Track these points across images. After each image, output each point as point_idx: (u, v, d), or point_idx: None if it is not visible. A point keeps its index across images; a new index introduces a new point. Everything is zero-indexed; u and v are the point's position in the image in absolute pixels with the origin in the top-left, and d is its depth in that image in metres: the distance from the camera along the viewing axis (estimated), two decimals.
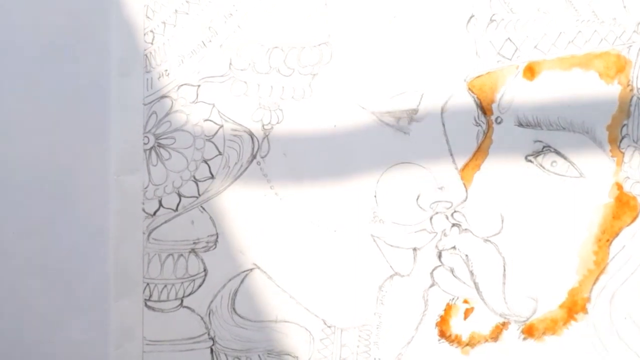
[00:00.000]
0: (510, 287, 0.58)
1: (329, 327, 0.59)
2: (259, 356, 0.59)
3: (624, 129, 0.57)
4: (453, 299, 0.58)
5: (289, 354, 0.59)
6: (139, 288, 0.58)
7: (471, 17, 0.57)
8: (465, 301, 0.58)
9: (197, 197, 0.58)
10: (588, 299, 0.59)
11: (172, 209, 0.58)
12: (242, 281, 0.58)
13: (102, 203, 0.58)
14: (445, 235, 0.58)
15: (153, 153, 0.58)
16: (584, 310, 0.59)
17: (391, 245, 0.58)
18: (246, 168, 0.58)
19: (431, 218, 0.58)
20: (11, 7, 0.57)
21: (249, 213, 0.58)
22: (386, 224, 0.58)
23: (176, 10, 0.57)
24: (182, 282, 0.58)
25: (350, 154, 0.58)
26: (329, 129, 0.58)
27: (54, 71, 0.57)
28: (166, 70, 0.58)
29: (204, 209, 0.58)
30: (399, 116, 0.58)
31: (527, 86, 0.57)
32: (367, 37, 0.58)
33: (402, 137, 0.58)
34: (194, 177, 0.58)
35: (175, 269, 0.58)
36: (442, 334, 0.58)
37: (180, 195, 0.58)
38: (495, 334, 0.59)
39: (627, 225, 0.58)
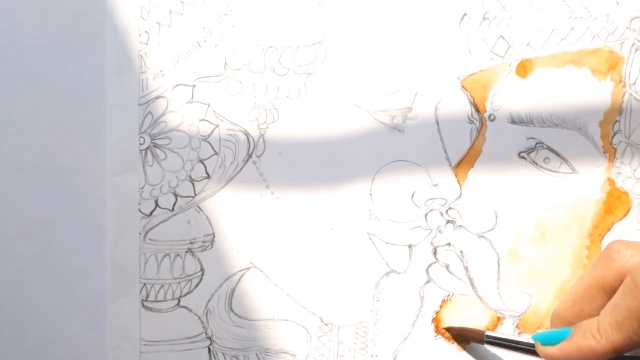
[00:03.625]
0: (505, 283, 0.59)
1: (326, 325, 0.59)
2: (257, 355, 0.59)
3: (616, 125, 0.58)
4: (449, 295, 0.59)
5: (286, 353, 0.59)
6: (136, 289, 0.58)
7: (464, 16, 0.58)
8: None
9: (193, 197, 0.58)
10: None
11: (169, 209, 0.58)
12: (239, 280, 0.59)
13: (98, 204, 0.58)
14: (440, 232, 0.58)
15: (149, 153, 0.58)
16: None
17: (387, 243, 0.58)
18: (242, 168, 0.58)
19: (426, 215, 0.58)
20: (5, 9, 0.57)
21: (245, 212, 0.58)
22: (382, 222, 0.58)
23: (171, 11, 0.57)
24: (179, 282, 0.58)
25: (345, 152, 0.58)
26: (325, 128, 0.58)
27: (49, 72, 0.57)
28: (161, 71, 0.57)
29: (200, 209, 0.58)
30: (394, 114, 0.58)
31: (520, 84, 0.58)
32: (362, 36, 0.58)
33: (396, 135, 0.58)
34: (190, 177, 0.58)
35: (172, 269, 0.58)
36: (439, 330, 0.59)
37: (176, 196, 0.58)
38: (491, 330, 0.59)
39: (619, 221, 0.59)
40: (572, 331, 0.49)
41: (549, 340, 0.50)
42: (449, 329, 0.58)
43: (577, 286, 0.52)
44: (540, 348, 0.50)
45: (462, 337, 0.58)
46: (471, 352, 0.59)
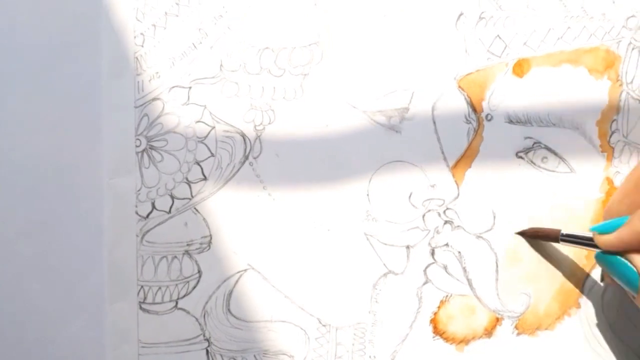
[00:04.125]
0: (503, 283, 0.59)
1: (324, 325, 0.59)
2: (254, 356, 0.59)
3: (614, 124, 0.58)
4: (447, 296, 0.59)
5: (284, 354, 0.59)
6: (133, 291, 0.58)
7: (460, 15, 0.58)
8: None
9: (190, 199, 0.58)
10: (580, 294, 0.59)
11: (165, 211, 0.58)
12: (236, 282, 0.58)
13: (95, 206, 0.58)
14: (438, 232, 0.58)
15: (145, 155, 0.58)
16: (577, 305, 0.59)
17: (384, 244, 0.58)
18: (239, 169, 0.58)
19: (424, 216, 0.58)
20: (2, 11, 0.57)
21: (242, 214, 0.58)
22: (379, 223, 0.58)
23: (166, 13, 0.57)
24: (177, 284, 0.58)
25: (342, 153, 0.58)
26: (321, 129, 0.58)
27: (45, 74, 0.57)
28: (157, 73, 0.57)
29: (197, 210, 0.58)
30: (390, 115, 0.58)
31: (516, 83, 0.58)
32: (358, 37, 0.58)
33: (393, 135, 0.58)
34: (187, 179, 0.58)
35: (169, 271, 0.58)
36: (437, 331, 0.59)
37: (173, 197, 0.58)
38: (489, 330, 0.59)
39: None
40: (628, 219, 0.49)
41: (606, 229, 0.50)
42: (521, 233, 0.58)
43: (627, 180, 0.53)
44: (597, 237, 0.51)
45: (537, 238, 0.59)
46: (469, 353, 0.59)
